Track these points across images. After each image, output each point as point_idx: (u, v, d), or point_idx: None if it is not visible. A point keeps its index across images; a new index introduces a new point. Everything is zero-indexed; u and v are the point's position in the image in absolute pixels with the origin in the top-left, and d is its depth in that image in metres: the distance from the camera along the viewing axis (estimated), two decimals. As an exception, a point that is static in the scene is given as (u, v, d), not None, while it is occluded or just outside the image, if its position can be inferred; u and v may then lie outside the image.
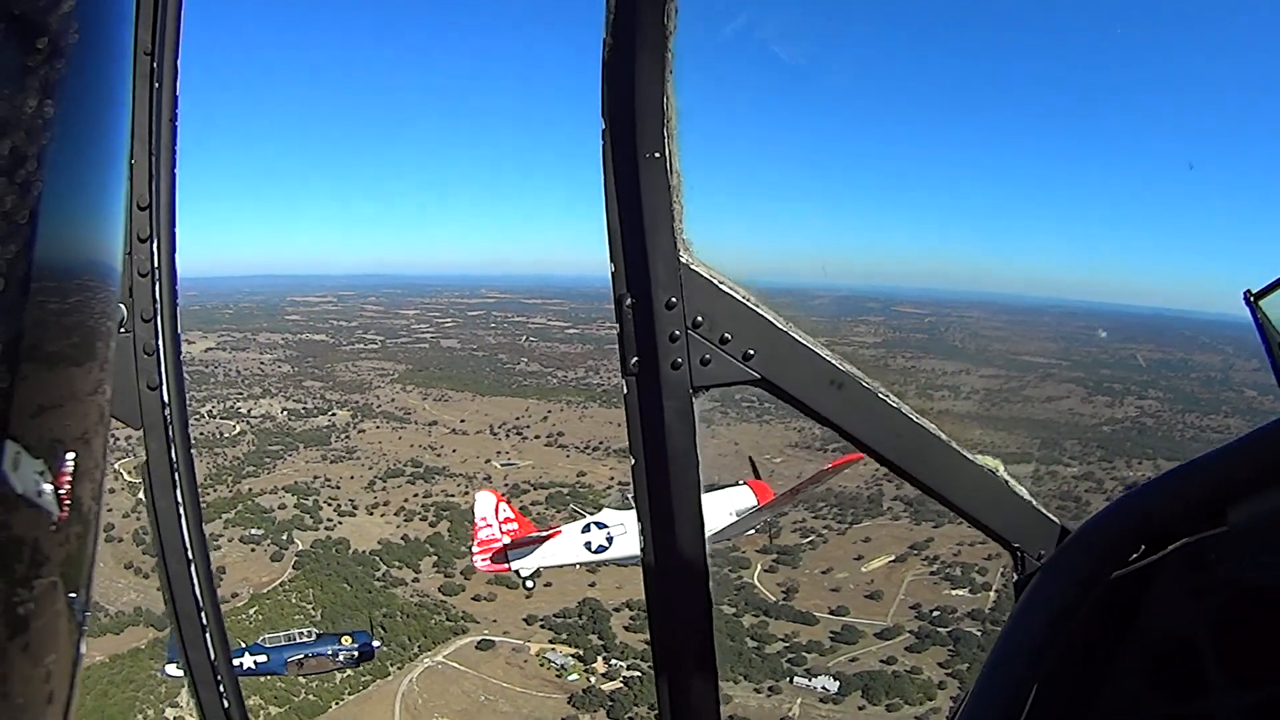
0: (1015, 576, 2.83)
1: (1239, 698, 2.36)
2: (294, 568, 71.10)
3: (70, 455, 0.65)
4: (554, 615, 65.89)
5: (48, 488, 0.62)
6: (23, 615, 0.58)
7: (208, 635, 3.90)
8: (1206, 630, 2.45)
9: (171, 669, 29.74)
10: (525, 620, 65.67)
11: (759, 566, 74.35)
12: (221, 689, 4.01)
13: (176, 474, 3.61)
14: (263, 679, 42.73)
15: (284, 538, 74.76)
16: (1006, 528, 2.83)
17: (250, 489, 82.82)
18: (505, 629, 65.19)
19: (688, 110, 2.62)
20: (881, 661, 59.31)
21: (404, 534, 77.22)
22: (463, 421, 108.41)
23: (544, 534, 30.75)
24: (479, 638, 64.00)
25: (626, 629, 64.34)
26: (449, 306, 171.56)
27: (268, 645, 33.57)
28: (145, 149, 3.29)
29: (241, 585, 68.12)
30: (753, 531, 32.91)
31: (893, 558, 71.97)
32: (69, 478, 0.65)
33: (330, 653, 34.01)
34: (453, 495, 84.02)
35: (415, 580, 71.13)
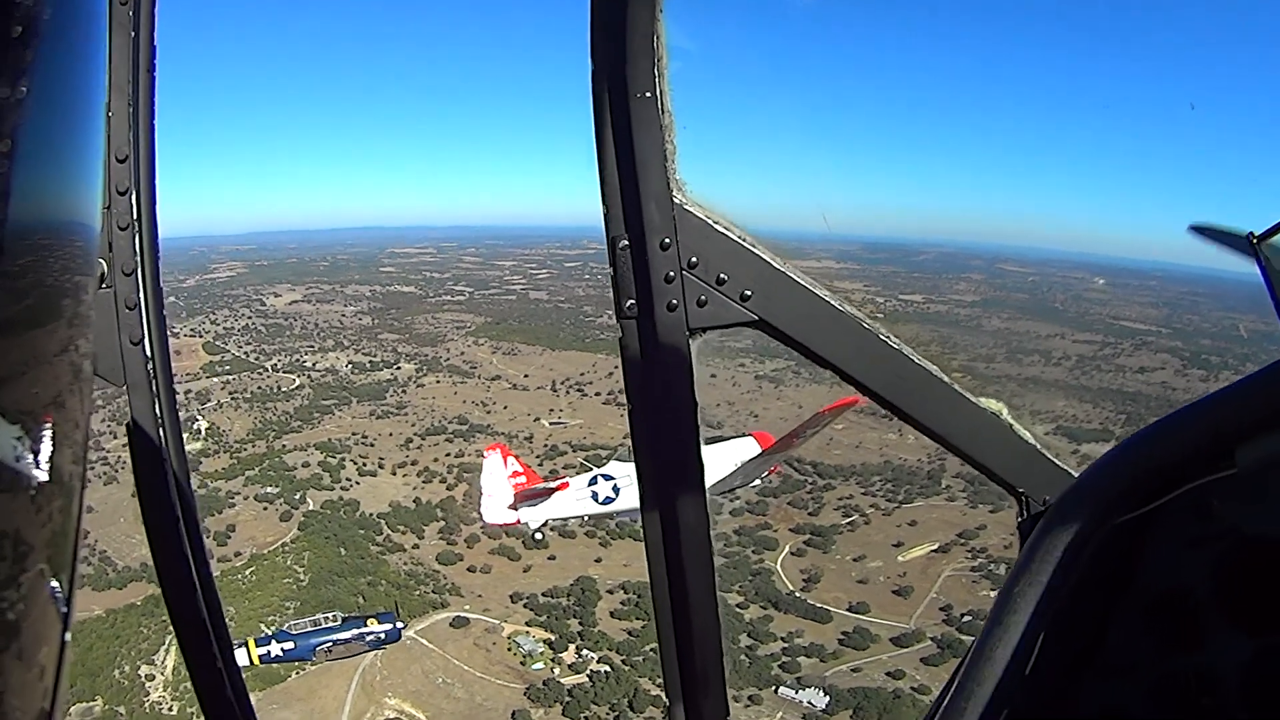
0: (1018, 520, 2.77)
1: (1239, 648, 2.32)
2: (299, 529, 70.67)
3: (47, 421, 0.61)
4: (541, 594, 61.77)
5: (27, 456, 0.58)
6: (13, 619, 0.55)
7: (198, 599, 3.57)
8: (1206, 580, 2.41)
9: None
10: (511, 597, 61.95)
11: (786, 548, 67.04)
12: (215, 660, 3.64)
13: (162, 431, 3.41)
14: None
15: (297, 497, 74.55)
16: (1010, 472, 2.75)
17: (284, 445, 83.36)
18: (487, 605, 61.82)
19: (681, 48, 2.57)
20: (887, 674, 51.10)
21: (417, 496, 75.14)
22: (526, 376, 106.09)
23: (551, 486, 31.06)
24: (455, 614, 60.89)
25: (612, 615, 59.35)
26: (547, 258, 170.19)
27: (295, 633, 33.34)
28: (123, 100, 3.17)
29: (247, 544, 68.43)
30: (757, 482, 32.45)
31: (935, 547, 62.75)
32: (47, 444, 0.60)
33: (357, 637, 33.96)
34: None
35: (415, 547, 69.03)
